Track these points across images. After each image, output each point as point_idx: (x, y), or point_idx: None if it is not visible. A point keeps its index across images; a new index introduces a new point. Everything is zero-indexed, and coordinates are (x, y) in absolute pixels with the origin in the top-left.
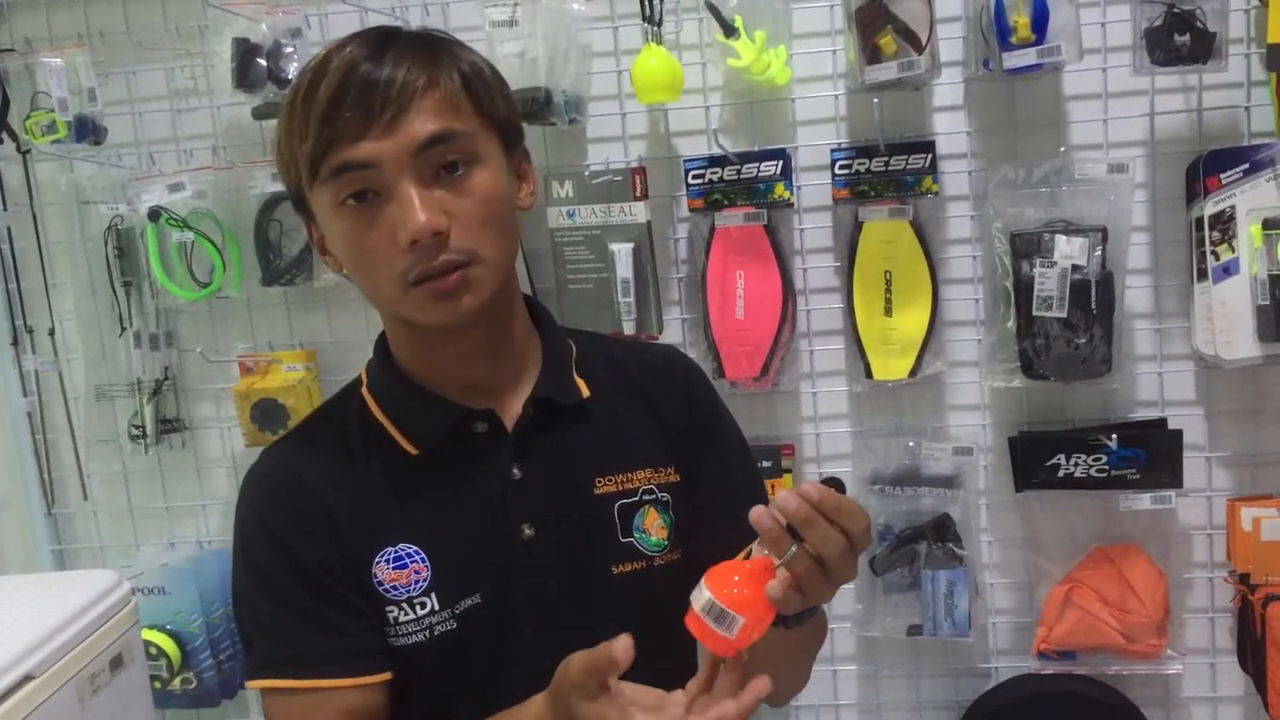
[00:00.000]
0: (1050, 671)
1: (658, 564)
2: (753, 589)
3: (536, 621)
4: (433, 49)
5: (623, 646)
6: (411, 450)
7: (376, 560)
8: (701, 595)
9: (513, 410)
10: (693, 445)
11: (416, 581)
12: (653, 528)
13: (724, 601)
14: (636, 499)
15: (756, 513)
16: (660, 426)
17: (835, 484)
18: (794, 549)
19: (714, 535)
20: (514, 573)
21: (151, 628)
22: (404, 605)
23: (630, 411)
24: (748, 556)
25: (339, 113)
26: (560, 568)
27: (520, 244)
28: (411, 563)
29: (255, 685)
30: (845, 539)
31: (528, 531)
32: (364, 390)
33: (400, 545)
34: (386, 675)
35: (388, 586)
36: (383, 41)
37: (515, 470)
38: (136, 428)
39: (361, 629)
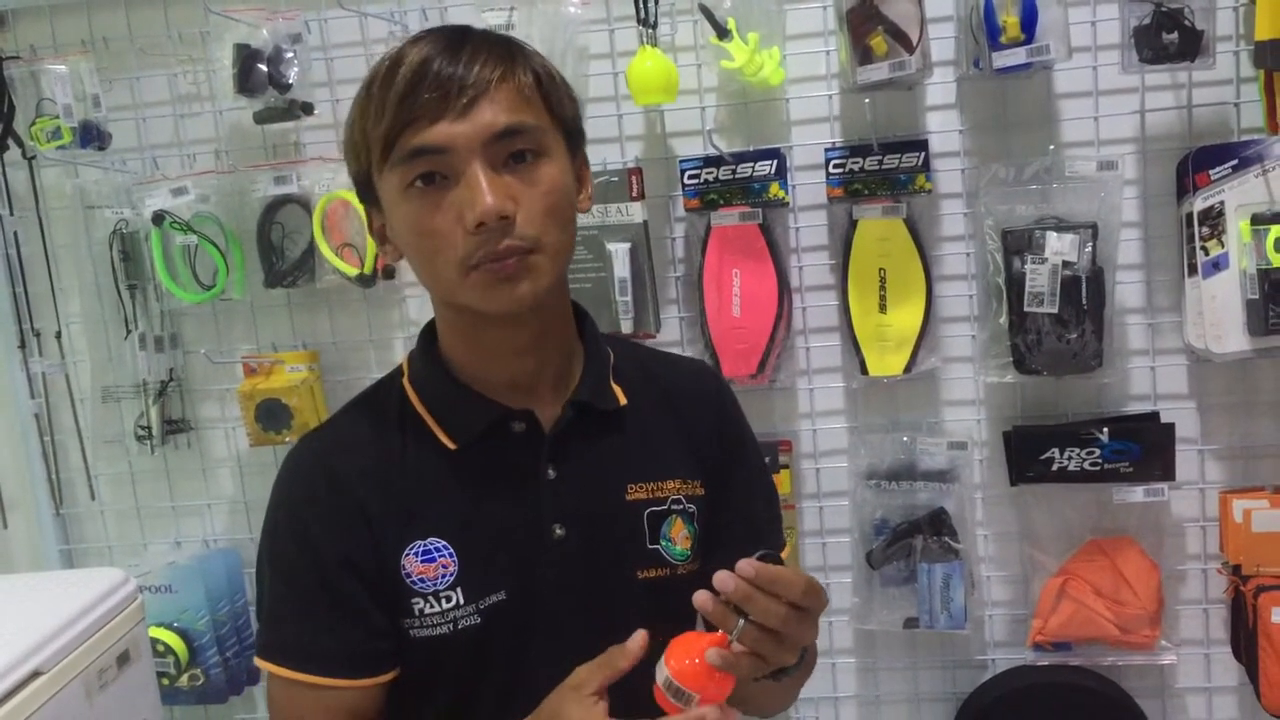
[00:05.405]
0: (1046, 663)
1: (680, 573)
2: (707, 664)
3: (559, 620)
4: (508, 47)
5: (638, 641)
6: (449, 444)
7: (405, 553)
8: (661, 671)
9: (551, 412)
10: (719, 462)
11: (443, 576)
12: (678, 537)
13: (679, 679)
14: (665, 508)
15: (699, 598)
16: (689, 439)
17: (770, 557)
18: (742, 624)
19: (733, 554)
20: (541, 570)
21: (159, 625)
22: (430, 598)
23: (662, 422)
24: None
25: (416, 96)
26: (587, 568)
27: None
28: (440, 557)
29: (259, 664)
30: (787, 607)
31: (558, 531)
32: (405, 381)
33: (429, 539)
34: (387, 676)
35: (415, 579)
36: (460, 37)
37: (550, 470)
38: (142, 428)
39: (367, 634)
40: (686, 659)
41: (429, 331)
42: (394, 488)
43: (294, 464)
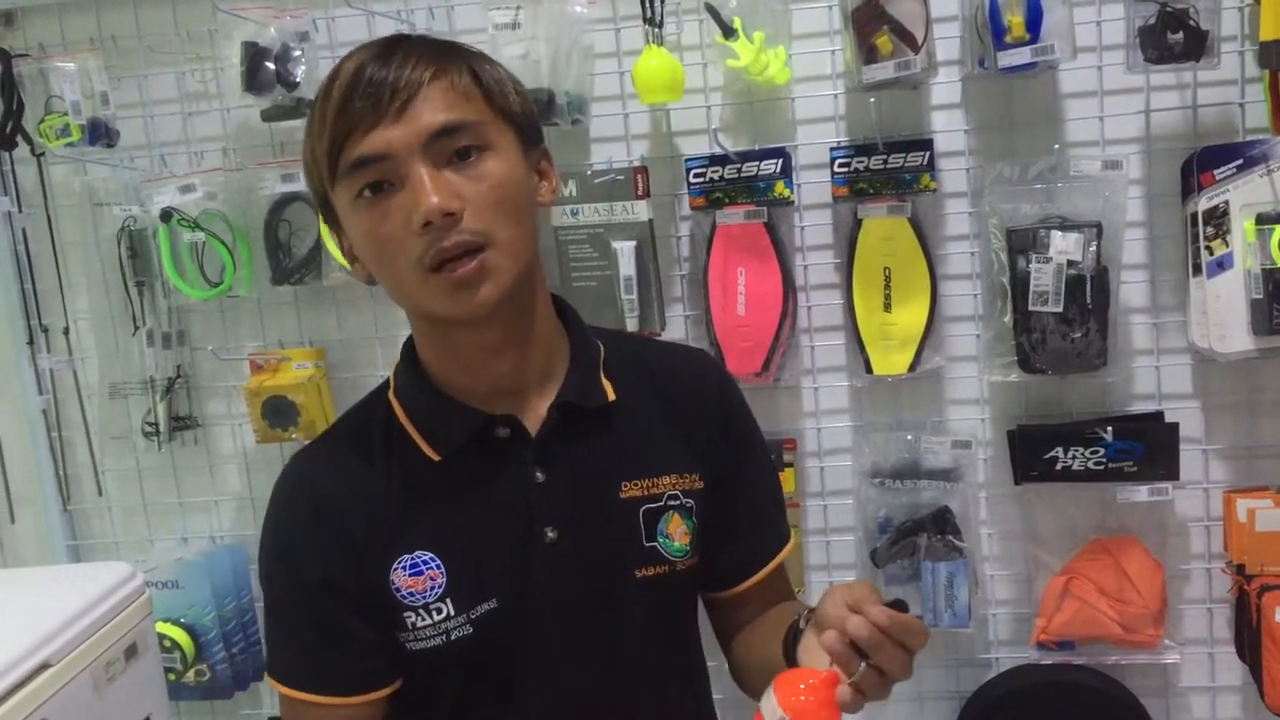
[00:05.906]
0: (1049, 662)
1: (679, 569)
2: (819, 698)
3: (555, 624)
4: (441, 47)
5: None
6: (434, 456)
7: (394, 568)
8: (774, 712)
9: (537, 414)
10: (723, 455)
11: (432, 588)
12: (676, 533)
13: (795, 716)
14: (661, 504)
15: (829, 639)
16: (687, 432)
17: (900, 605)
18: (863, 667)
19: (736, 547)
20: (535, 576)
21: (165, 621)
22: (420, 611)
23: (657, 415)
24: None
25: (350, 107)
26: (582, 570)
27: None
28: (427, 569)
29: (268, 682)
30: (907, 654)
31: (550, 534)
32: (390, 395)
33: (417, 553)
34: (385, 691)
35: (405, 593)
36: (392, 43)
37: (538, 474)
38: (150, 425)
39: (357, 654)
40: (794, 696)
41: (411, 344)
42: (380, 504)
43: (283, 485)
